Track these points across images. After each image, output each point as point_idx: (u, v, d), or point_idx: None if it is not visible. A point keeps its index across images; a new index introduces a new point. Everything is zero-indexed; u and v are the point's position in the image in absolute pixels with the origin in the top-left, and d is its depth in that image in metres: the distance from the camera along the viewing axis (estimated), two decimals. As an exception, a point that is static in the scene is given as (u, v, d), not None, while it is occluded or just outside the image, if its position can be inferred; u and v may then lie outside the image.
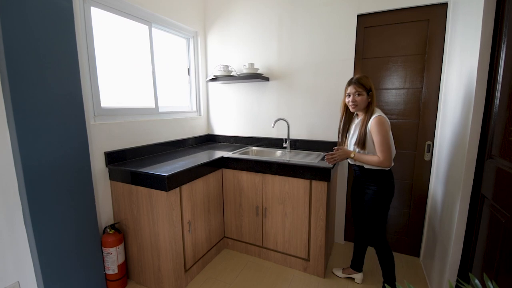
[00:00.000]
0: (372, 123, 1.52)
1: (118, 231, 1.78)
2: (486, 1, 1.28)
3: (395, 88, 2.06)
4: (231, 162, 2.08)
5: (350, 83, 1.62)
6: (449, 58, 1.82)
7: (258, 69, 2.37)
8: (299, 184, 1.86)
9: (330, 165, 1.75)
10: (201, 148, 2.52)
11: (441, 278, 1.60)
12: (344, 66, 2.15)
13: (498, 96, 1.24)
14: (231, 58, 2.61)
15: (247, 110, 2.62)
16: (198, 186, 1.89)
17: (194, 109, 2.76)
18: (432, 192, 2.02)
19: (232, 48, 2.59)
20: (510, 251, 1.05)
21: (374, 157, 1.53)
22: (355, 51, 2.11)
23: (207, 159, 1.99)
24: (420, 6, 1.90)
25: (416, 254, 2.20)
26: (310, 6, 2.20)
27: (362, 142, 1.56)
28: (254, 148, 2.51)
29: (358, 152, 1.60)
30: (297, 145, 2.41)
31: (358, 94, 1.57)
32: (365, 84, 1.57)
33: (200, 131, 2.77)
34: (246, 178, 2.05)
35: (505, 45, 1.20)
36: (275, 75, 2.43)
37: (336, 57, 2.16)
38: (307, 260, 1.95)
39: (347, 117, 1.73)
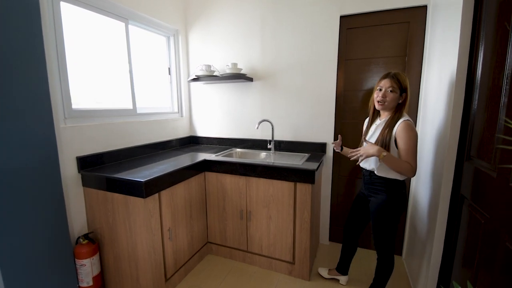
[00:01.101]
0: (400, 127, 1.38)
1: (92, 241, 1.67)
2: (465, 5, 1.30)
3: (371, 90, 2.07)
4: (214, 165, 2.02)
5: (386, 76, 1.45)
6: (428, 60, 1.86)
7: (241, 69, 2.32)
8: (283, 187, 1.83)
9: (314, 167, 1.73)
10: (183, 150, 2.44)
11: (424, 278, 1.62)
12: (328, 67, 2.14)
13: (477, 98, 1.26)
14: (213, 57, 2.54)
15: (230, 111, 2.56)
16: (179, 191, 1.81)
17: (176, 110, 2.67)
18: (413, 191, 2.05)
19: (215, 47, 2.52)
20: (489, 251, 1.06)
21: (405, 163, 1.35)
22: (338, 52, 2.11)
23: (189, 162, 1.92)
24: (400, 9, 1.92)
25: (399, 252, 2.23)
26: (294, 5, 2.18)
27: (385, 145, 1.40)
28: (238, 150, 2.46)
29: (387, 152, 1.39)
30: (282, 146, 2.38)
31: (391, 91, 1.41)
32: (402, 82, 1.41)
33: (183, 133, 2.68)
34: (230, 181, 2.00)
35: (482, 48, 1.22)
36: (258, 75, 2.39)
37: (319, 58, 2.15)
38: (292, 263, 1.92)
39: (374, 116, 1.58)
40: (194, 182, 1.96)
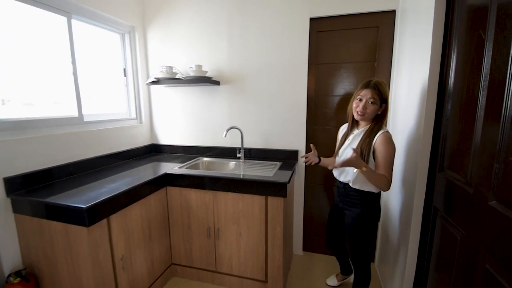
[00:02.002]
0: (379, 139, 1.33)
1: (26, 280, 1.38)
2: (436, 12, 1.25)
3: (347, 94, 2.02)
4: (177, 179, 1.81)
5: (367, 85, 1.37)
6: (397, 66, 1.83)
7: (207, 71, 2.13)
8: (254, 201, 1.69)
9: (286, 179, 1.61)
10: (143, 161, 2.18)
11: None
12: (298, 71, 2.03)
13: (449, 108, 1.22)
14: (176, 58, 2.31)
15: (196, 116, 2.36)
16: (135, 212, 1.58)
17: (134, 115, 2.39)
18: (384, 198, 2.03)
19: (177, 47, 2.30)
20: (467, 270, 1.01)
21: (382, 177, 1.31)
22: (308, 55, 2.01)
23: (148, 177, 1.69)
24: (370, 13, 1.87)
25: (371, 259, 2.20)
26: (262, 6, 2.04)
27: (363, 156, 1.35)
28: (205, 159, 2.27)
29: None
30: (252, 154, 2.24)
31: (372, 102, 1.35)
32: (383, 93, 1.35)
33: (142, 141, 2.42)
34: (195, 196, 1.81)
35: (454, 57, 1.18)
36: (226, 78, 2.21)
37: (289, 61, 2.04)
38: (265, 281, 1.79)
39: (353, 125, 1.51)
40: (153, 200, 1.74)
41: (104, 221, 1.37)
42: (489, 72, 0.93)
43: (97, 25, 2.03)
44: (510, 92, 0.82)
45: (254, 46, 2.10)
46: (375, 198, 1.44)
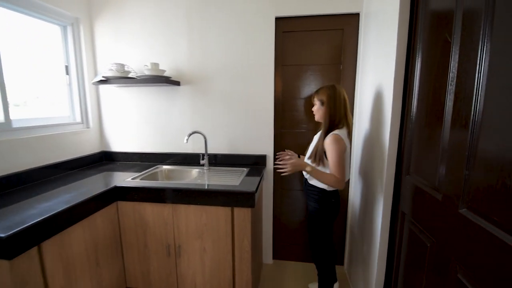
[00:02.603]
0: (327, 140, 1.42)
1: None
2: (401, 15, 1.23)
3: (310, 97, 1.97)
4: (130, 193, 1.59)
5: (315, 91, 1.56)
6: (362, 69, 1.83)
7: (164, 71, 1.93)
8: (219, 213, 1.54)
9: (253, 188, 1.50)
10: (90, 172, 1.90)
11: (369, 297, 1.55)
12: (265, 72, 1.94)
13: (414, 112, 1.20)
14: (129, 56, 2.07)
15: (154, 120, 2.13)
16: (76, 235, 1.34)
17: (79, 119, 2.09)
18: (351, 200, 2.02)
19: (131, 43, 2.05)
20: (438, 279, 0.99)
21: (330, 176, 1.42)
22: (275, 56, 1.92)
23: (93, 193, 1.45)
24: (335, 15, 1.85)
25: (340, 262, 2.19)
26: (224, 1, 1.90)
27: (317, 156, 1.47)
28: (164, 167, 2.05)
29: (312, 166, 1.48)
30: (217, 160, 2.08)
31: (315, 104, 1.53)
32: (320, 94, 1.48)
33: (90, 149, 2.12)
34: (152, 211, 1.60)
35: (419, 60, 1.17)
36: (186, 79, 2.03)
37: (255, 62, 1.93)
38: (234, 299, 1.65)
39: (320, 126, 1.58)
40: (100, 218, 1.50)
41: (34, 250, 1.12)
42: (455, 75, 0.91)
43: (30, 14, 1.72)
44: (479, 96, 0.80)
45: (217, 44, 1.95)
46: (329, 195, 1.52)
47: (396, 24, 1.25)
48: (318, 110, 1.51)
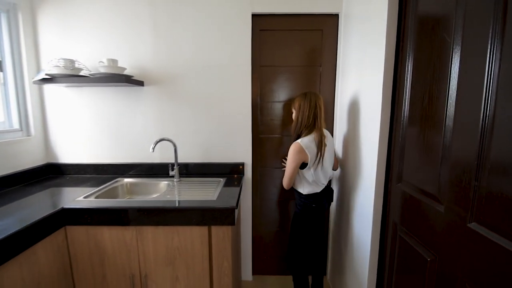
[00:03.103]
0: (290, 148, 1.44)
1: None
2: (389, 16, 1.16)
3: (289, 100, 1.86)
4: (82, 215, 1.30)
5: None
6: (342, 71, 1.76)
7: (125, 68, 1.67)
8: (194, 234, 1.33)
9: (234, 203, 1.32)
10: (31, 190, 1.56)
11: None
12: (241, 73, 1.78)
13: (406, 116, 1.13)
14: (81, 51, 1.76)
15: (112, 126, 1.84)
16: (11, 273, 1.03)
17: (16, 126, 1.72)
18: (333, 207, 1.94)
19: (83, 36, 1.75)
20: (442, 298, 0.91)
21: (283, 179, 1.53)
22: (252, 56, 1.77)
23: (32, 219, 1.14)
24: (313, 14, 1.76)
25: (323, 272, 2.10)
26: (194, -8, 1.71)
27: None
28: (126, 180, 1.78)
29: None
30: (189, 170, 1.86)
31: (293, 112, 1.54)
32: (295, 102, 1.50)
33: (33, 161, 1.76)
34: (111, 236, 1.33)
35: (410, 63, 1.10)
36: (152, 78, 1.79)
37: (231, 62, 1.76)
38: (212, 330, 1.45)
39: None
40: (43, 249, 1.20)
41: None
42: (458, 77, 0.84)
43: None
44: (489, 99, 0.73)
45: (188, 41, 1.74)
46: (309, 200, 1.51)
47: (384, 26, 1.17)
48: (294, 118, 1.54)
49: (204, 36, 1.74)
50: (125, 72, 1.69)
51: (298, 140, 1.41)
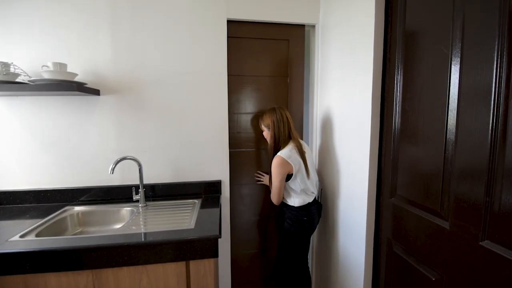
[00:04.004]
0: (273, 162, 1.44)
1: None
2: (376, 26, 1.14)
3: (257, 112, 1.77)
4: (17, 262, 0.99)
5: None
6: (321, 83, 1.72)
7: (76, 74, 1.40)
8: (167, 273, 1.11)
9: (216, 231, 1.14)
10: None
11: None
12: (216, 82, 1.62)
13: (398, 127, 1.10)
14: (19, 53, 1.44)
15: (60, 143, 1.52)
16: None
17: None
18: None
19: (21, 35, 1.43)
20: (454, 323, 0.85)
21: (271, 195, 1.51)
22: (228, 64, 1.64)
23: None
24: (280, 24, 1.70)
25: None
26: (162, -8, 1.53)
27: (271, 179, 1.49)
28: (77, 209, 1.46)
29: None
30: (158, 192, 1.61)
31: (263, 131, 1.58)
32: (265, 120, 1.52)
33: None
34: (60, 284, 1.04)
35: (400, 77, 1.08)
36: (110, 86, 1.53)
37: (205, 69, 1.60)
38: None
39: None
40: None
41: None
42: (459, 89, 0.82)
43: None
44: (499, 108, 0.70)
45: (155, 45, 1.54)
46: (300, 213, 1.47)
47: (371, 38, 1.14)
48: (267, 135, 1.54)
49: (175, 40, 1.56)
50: (77, 79, 1.42)
51: (278, 154, 1.42)
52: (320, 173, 1.73)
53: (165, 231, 1.14)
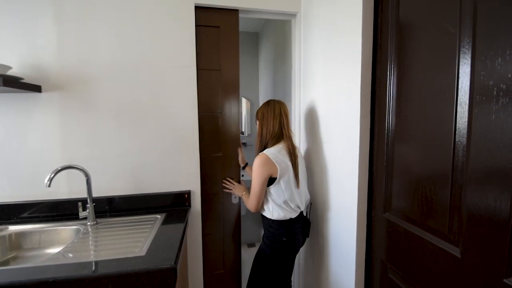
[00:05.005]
0: (254, 162, 1.22)
1: None
2: (364, 12, 0.96)
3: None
4: None
5: None
6: (304, 80, 1.53)
7: (10, 67, 1.15)
8: (109, 313, 0.87)
9: (172, 260, 0.91)
10: None
11: None
12: (184, 77, 1.41)
13: (392, 129, 0.92)
14: None
15: (-9, 149, 1.26)
16: None
17: None
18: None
19: None
20: None
21: (250, 201, 1.26)
22: (197, 57, 1.43)
23: None
24: (212, 8, 1.44)
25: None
26: (118, -28, 1.31)
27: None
28: (12, 228, 1.20)
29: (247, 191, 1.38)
30: (115, 206, 1.37)
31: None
32: (257, 114, 1.35)
33: None
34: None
35: (394, 67, 0.90)
36: (55, 82, 1.29)
37: (169, 62, 1.38)
38: None
39: None
40: None
41: None
42: (468, 76, 0.64)
43: None
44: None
45: (109, 31, 1.31)
46: (281, 229, 1.22)
47: (359, 26, 0.96)
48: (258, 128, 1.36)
49: (133, 27, 1.33)
50: (10, 72, 1.17)
51: (263, 151, 1.22)
52: (308, 183, 1.53)
53: (107, 260, 0.91)
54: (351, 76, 1.02)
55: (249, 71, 2.79)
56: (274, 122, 1.25)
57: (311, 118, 1.42)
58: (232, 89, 1.54)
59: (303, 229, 1.30)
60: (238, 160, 1.58)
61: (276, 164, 1.17)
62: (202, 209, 1.50)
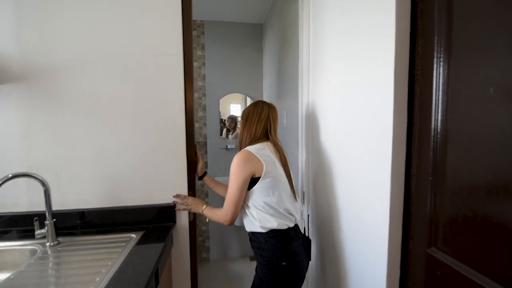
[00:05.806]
0: (233, 159, 1.03)
1: None
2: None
3: None
4: None
5: None
6: (313, 71, 1.27)
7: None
8: None
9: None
10: None
11: None
12: (169, 68, 1.18)
13: (439, 131, 0.64)
14: None
15: None
16: None
17: None
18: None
19: None
20: None
21: (221, 212, 1.06)
22: (184, 45, 1.20)
23: None
24: None
25: None
26: None
27: None
28: (-45, 249, 0.99)
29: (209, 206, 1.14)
30: (87, 220, 1.14)
31: None
32: (243, 112, 1.19)
33: None
34: None
35: (442, 42, 0.63)
36: (13, 73, 1.08)
37: (152, 49, 1.16)
38: None
39: None
40: None
41: None
42: None
43: None
44: None
45: (77, 13, 1.10)
46: (269, 245, 0.99)
47: (392, 18, 0.70)
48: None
49: (109, 11, 1.12)
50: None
51: (247, 147, 1.05)
52: (312, 198, 1.27)
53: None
54: (380, 58, 0.75)
55: (253, 67, 2.55)
56: (258, 126, 1.10)
57: (322, 115, 1.16)
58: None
59: (305, 248, 1.06)
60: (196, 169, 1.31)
61: (260, 160, 1.00)
62: (189, 224, 1.26)
